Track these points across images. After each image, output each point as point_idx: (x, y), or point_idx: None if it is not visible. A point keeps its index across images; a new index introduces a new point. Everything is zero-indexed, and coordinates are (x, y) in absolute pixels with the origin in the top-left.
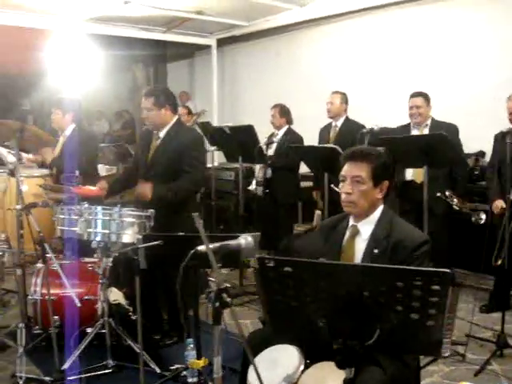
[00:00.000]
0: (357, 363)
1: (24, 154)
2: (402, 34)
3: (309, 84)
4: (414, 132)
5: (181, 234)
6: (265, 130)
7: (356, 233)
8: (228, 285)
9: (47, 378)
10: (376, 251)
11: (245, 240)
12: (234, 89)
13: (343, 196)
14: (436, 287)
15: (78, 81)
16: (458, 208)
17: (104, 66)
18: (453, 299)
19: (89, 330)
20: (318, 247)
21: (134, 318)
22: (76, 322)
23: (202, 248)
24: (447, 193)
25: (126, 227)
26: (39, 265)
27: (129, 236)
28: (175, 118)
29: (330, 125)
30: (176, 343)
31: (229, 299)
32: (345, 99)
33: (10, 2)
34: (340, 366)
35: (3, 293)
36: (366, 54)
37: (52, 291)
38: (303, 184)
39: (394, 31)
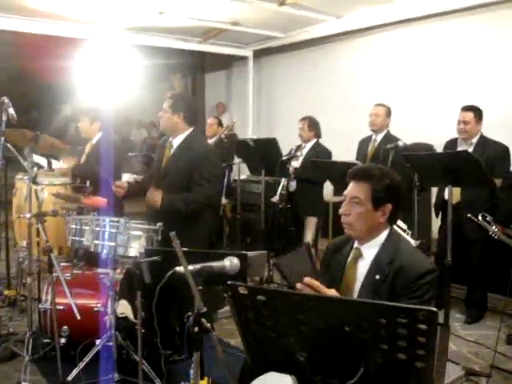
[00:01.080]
0: None
1: (55, 162)
2: (439, 46)
3: (345, 96)
4: (461, 148)
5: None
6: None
7: (359, 256)
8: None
9: None
10: (378, 277)
11: (229, 262)
12: (270, 100)
13: (342, 217)
14: (422, 326)
15: (118, 90)
16: (495, 236)
17: (143, 75)
18: (443, 340)
19: (97, 341)
20: (307, 268)
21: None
22: (84, 333)
23: (180, 269)
24: (480, 217)
25: (133, 240)
26: (53, 274)
27: (135, 249)
28: (190, 130)
29: (369, 138)
30: (188, 359)
31: (208, 324)
32: (389, 112)
33: (51, 12)
34: None
35: (22, 299)
36: (402, 67)
37: (63, 301)
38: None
39: (431, 43)
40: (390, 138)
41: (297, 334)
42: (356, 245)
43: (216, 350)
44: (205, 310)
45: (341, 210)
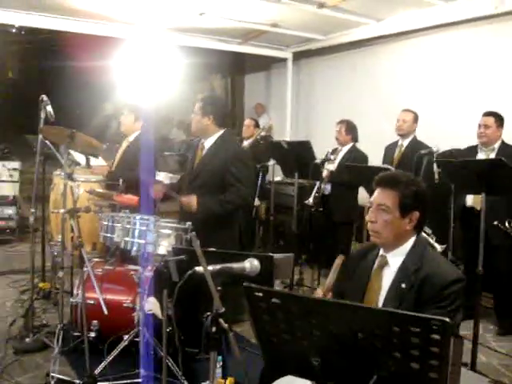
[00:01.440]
0: None
1: (93, 159)
2: (479, 52)
3: (383, 100)
4: (481, 155)
5: (212, 249)
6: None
7: (384, 264)
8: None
9: (77, 381)
10: (403, 286)
11: (250, 264)
12: (308, 102)
13: (368, 224)
14: (435, 336)
15: (159, 89)
16: None
17: (184, 75)
18: (456, 351)
19: (125, 337)
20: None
21: (168, 329)
22: (113, 328)
23: (200, 269)
24: (507, 223)
25: (162, 238)
26: (84, 269)
27: (164, 247)
28: (221, 132)
29: (396, 143)
30: None
31: (226, 325)
32: (416, 118)
33: (93, 12)
34: None
35: (56, 292)
36: (442, 71)
37: (93, 295)
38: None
39: (472, 49)
40: (417, 144)
41: (310, 338)
42: (382, 252)
43: (233, 350)
44: (223, 310)
45: (367, 217)
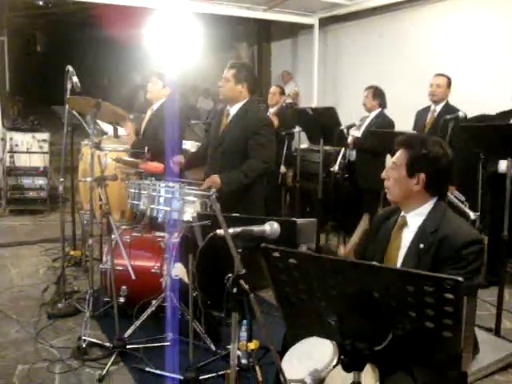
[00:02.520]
0: (383, 367)
1: (120, 129)
2: (506, 14)
3: (411, 65)
4: None
5: (235, 214)
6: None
7: (404, 224)
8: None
9: (108, 344)
10: (422, 246)
11: (270, 226)
12: (336, 69)
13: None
14: (449, 296)
15: (185, 59)
16: None
17: (210, 44)
18: (469, 310)
19: (153, 301)
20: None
21: (194, 294)
22: (142, 293)
23: (220, 232)
24: None
25: (187, 205)
26: (112, 236)
27: (189, 214)
28: (247, 98)
29: (428, 108)
30: (239, 322)
31: (246, 286)
32: (450, 83)
33: None
34: (346, 368)
35: (86, 260)
36: (473, 36)
37: (122, 262)
38: None
39: (505, 11)
40: (449, 109)
41: (327, 298)
42: (402, 213)
43: (254, 311)
44: (244, 271)
45: (382, 174)
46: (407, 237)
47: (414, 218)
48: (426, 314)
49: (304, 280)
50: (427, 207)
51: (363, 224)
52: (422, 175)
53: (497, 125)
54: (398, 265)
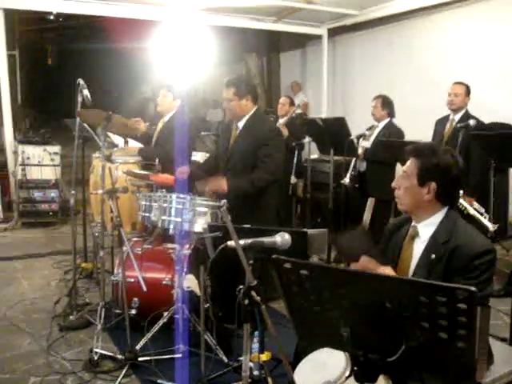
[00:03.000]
0: (396, 378)
1: (131, 140)
2: None
3: (420, 75)
4: None
5: (247, 226)
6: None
7: (415, 234)
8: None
9: (119, 356)
10: (433, 256)
11: (281, 237)
12: (345, 79)
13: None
14: (462, 306)
15: (195, 71)
16: None
17: (219, 56)
18: (483, 320)
19: (165, 313)
20: (365, 247)
21: (206, 306)
22: (153, 305)
23: (231, 243)
24: None
25: (198, 216)
26: (123, 248)
27: (200, 225)
28: (254, 109)
29: (447, 117)
30: (251, 334)
31: (258, 297)
32: (468, 91)
33: None
34: (358, 379)
35: (98, 272)
36: (479, 43)
37: (133, 274)
38: None
39: (510, 18)
40: (468, 117)
41: (339, 309)
42: (413, 223)
43: (266, 322)
44: (255, 283)
45: (392, 184)
46: (419, 247)
47: (425, 228)
48: (439, 324)
49: (316, 291)
50: (438, 217)
51: (370, 203)
52: (433, 184)
53: (507, 132)
54: (410, 275)
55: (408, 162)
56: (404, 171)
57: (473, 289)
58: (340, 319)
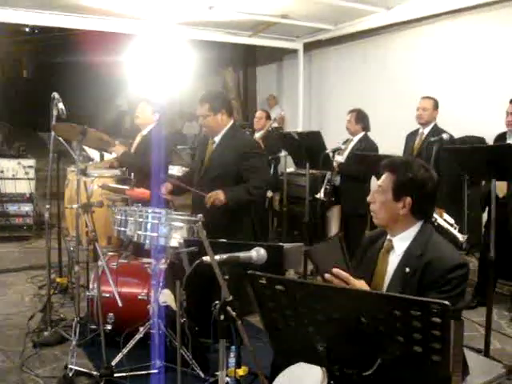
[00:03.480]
0: None
1: (107, 155)
2: (490, 37)
3: (396, 89)
4: (510, 141)
5: (221, 240)
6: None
7: (390, 248)
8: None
9: (95, 373)
10: (407, 270)
11: (256, 252)
12: (321, 93)
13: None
14: (436, 319)
15: (171, 84)
16: None
17: (196, 69)
18: (457, 333)
19: (141, 328)
20: (339, 258)
21: (182, 320)
22: (129, 320)
23: (207, 259)
24: None
25: (175, 231)
26: (99, 262)
27: (177, 240)
28: (231, 123)
29: (416, 131)
30: (227, 349)
31: (234, 313)
32: (436, 105)
33: (105, 9)
34: None
35: (73, 287)
36: (452, 58)
37: (108, 289)
38: None
39: (485, 34)
40: (437, 131)
41: (315, 324)
42: (388, 237)
43: (242, 338)
44: (231, 298)
45: (367, 198)
46: (393, 261)
47: (400, 242)
48: (414, 338)
49: (291, 306)
50: (413, 231)
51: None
52: (408, 199)
53: (480, 147)
54: (385, 289)
55: (383, 177)
56: (379, 185)
57: (446, 303)
58: (316, 334)
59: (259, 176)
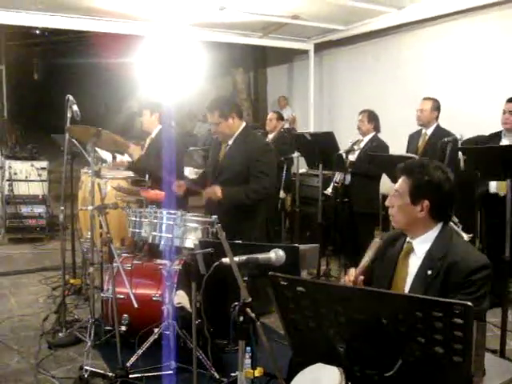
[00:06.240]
0: None
1: (119, 156)
2: (505, 36)
3: (408, 89)
4: (505, 141)
5: (238, 241)
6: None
7: (410, 250)
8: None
9: (110, 374)
10: (430, 272)
11: (275, 254)
12: (331, 94)
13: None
14: (459, 320)
15: (182, 85)
16: None
17: (207, 70)
18: (479, 335)
19: (156, 330)
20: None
21: (197, 322)
22: (144, 321)
23: (226, 260)
24: None
25: (189, 232)
26: (113, 264)
27: (191, 241)
28: (243, 125)
29: (419, 132)
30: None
31: (253, 314)
32: (436, 106)
33: (117, 12)
34: None
35: (87, 288)
36: (467, 58)
37: (123, 290)
38: None
39: (499, 33)
40: (440, 131)
41: (336, 325)
42: (408, 239)
43: (261, 340)
44: (250, 300)
45: (386, 202)
46: (414, 263)
47: (421, 244)
48: (436, 339)
49: (312, 307)
50: (433, 233)
51: (374, 245)
52: (426, 202)
53: (497, 146)
54: (406, 291)
55: (400, 181)
56: (396, 190)
57: (469, 304)
58: (336, 335)
59: (261, 182)
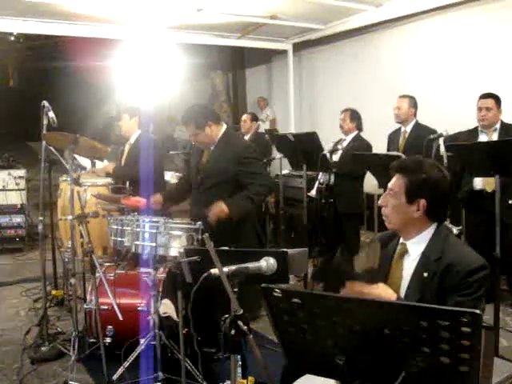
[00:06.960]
0: None
1: (99, 163)
2: (480, 33)
3: (387, 87)
4: (482, 136)
5: (225, 248)
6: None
7: (404, 252)
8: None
9: None
10: (425, 275)
11: (266, 262)
12: (312, 93)
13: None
14: (466, 329)
15: (161, 88)
16: None
17: (185, 73)
18: (487, 342)
19: (141, 340)
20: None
21: (184, 331)
22: (129, 332)
23: (215, 271)
24: None
25: (173, 240)
26: (96, 274)
27: (176, 249)
28: (223, 129)
29: (399, 130)
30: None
31: (245, 327)
32: (413, 103)
33: (92, 15)
34: None
35: (69, 299)
36: (446, 55)
37: (107, 301)
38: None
39: (476, 29)
40: (420, 128)
41: (334, 337)
42: (401, 240)
43: (254, 353)
44: (241, 312)
45: (379, 202)
46: (409, 265)
47: (415, 246)
48: (441, 349)
49: (309, 319)
50: (428, 233)
51: (374, 250)
52: (423, 201)
53: (483, 143)
54: (402, 295)
55: (394, 179)
56: (390, 189)
57: (477, 311)
58: (335, 347)
59: (259, 181)
